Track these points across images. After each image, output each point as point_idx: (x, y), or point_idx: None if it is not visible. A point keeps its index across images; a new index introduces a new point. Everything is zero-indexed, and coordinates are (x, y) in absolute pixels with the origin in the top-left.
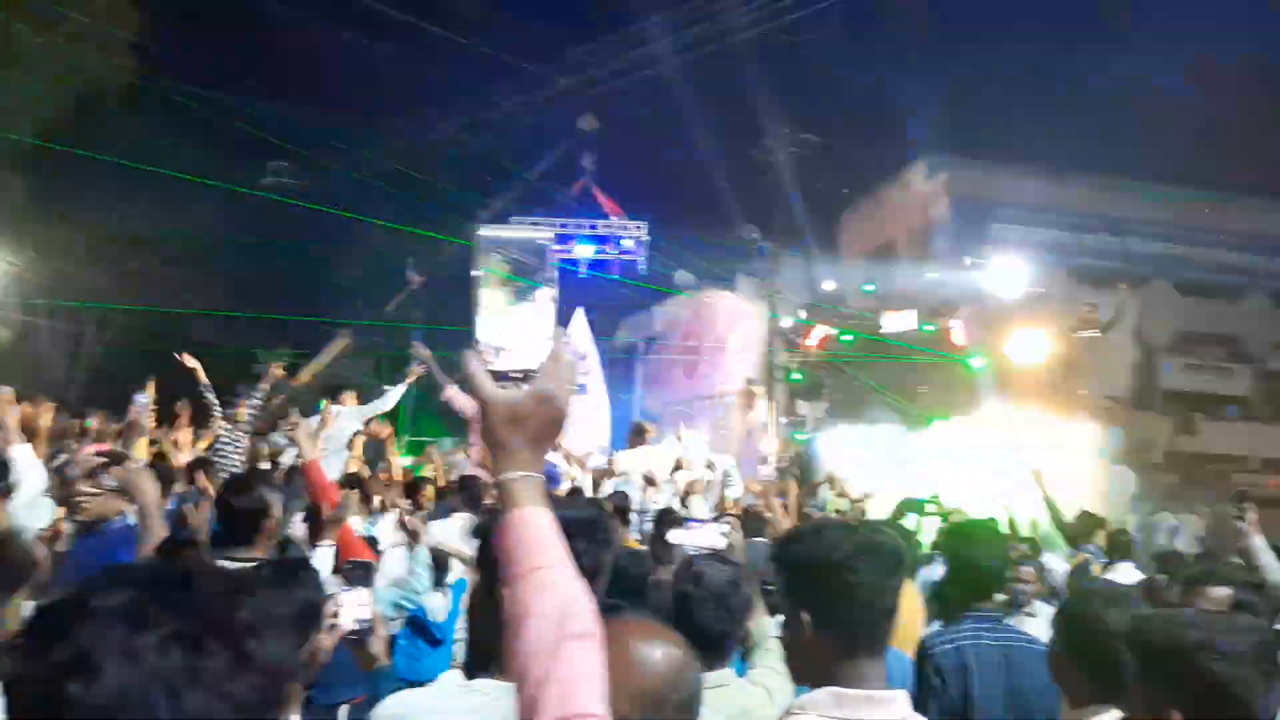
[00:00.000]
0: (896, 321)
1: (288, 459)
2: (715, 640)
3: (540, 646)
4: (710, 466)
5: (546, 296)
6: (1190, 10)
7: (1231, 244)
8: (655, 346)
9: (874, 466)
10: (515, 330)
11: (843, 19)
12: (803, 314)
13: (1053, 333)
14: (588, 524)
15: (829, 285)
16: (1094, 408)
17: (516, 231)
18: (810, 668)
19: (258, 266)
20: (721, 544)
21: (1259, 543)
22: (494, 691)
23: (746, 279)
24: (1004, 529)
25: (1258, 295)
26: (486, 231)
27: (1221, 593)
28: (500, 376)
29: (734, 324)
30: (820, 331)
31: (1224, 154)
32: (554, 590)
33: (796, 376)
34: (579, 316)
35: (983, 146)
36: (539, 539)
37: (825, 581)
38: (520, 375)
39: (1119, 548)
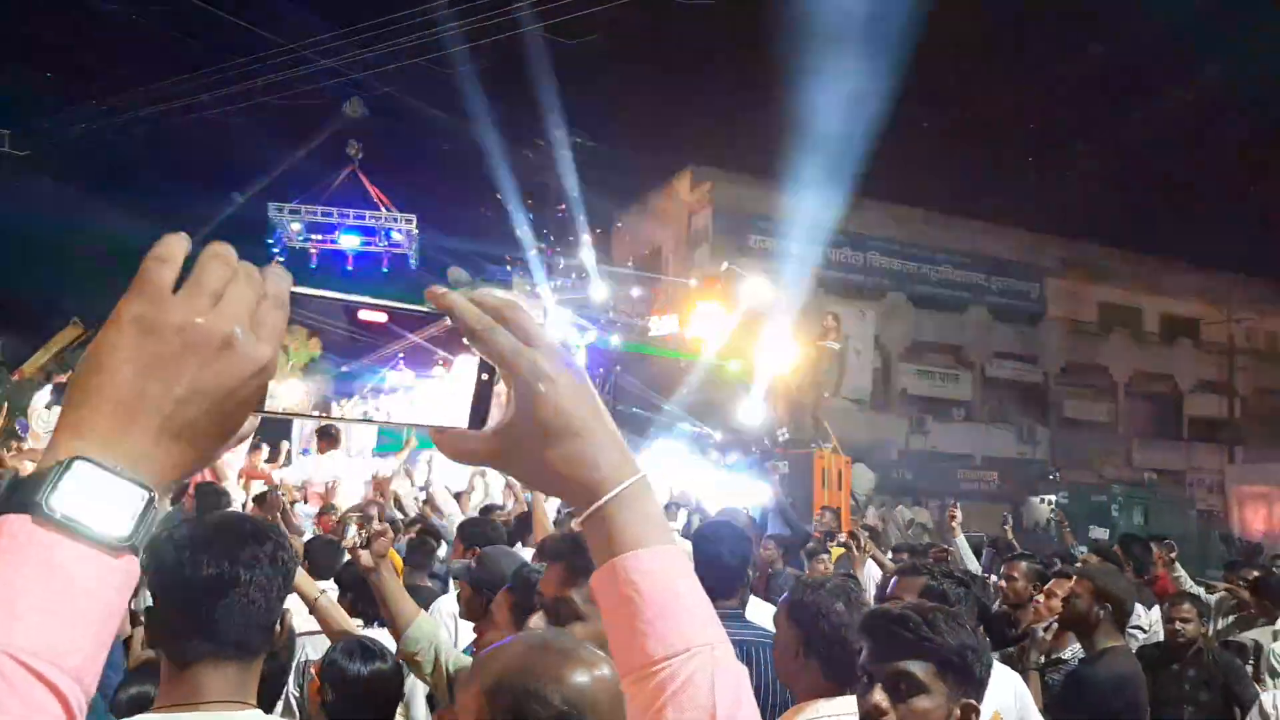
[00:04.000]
0: (662, 325)
1: None
2: None
3: None
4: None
5: None
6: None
7: (955, 262)
8: None
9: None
10: None
11: (620, 25)
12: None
13: (801, 339)
14: None
15: (600, 290)
16: (836, 411)
17: None
18: None
19: None
20: None
21: (960, 540)
22: None
23: (522, 279)
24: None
25: (978, 308)
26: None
27: (919, 581)
28: None
29: None
30: (590, 334)
31: (946, 179)
32: (727, 677)
33: None
34: None
35: (745, 159)
36: (690, 600)
37: None
38: None
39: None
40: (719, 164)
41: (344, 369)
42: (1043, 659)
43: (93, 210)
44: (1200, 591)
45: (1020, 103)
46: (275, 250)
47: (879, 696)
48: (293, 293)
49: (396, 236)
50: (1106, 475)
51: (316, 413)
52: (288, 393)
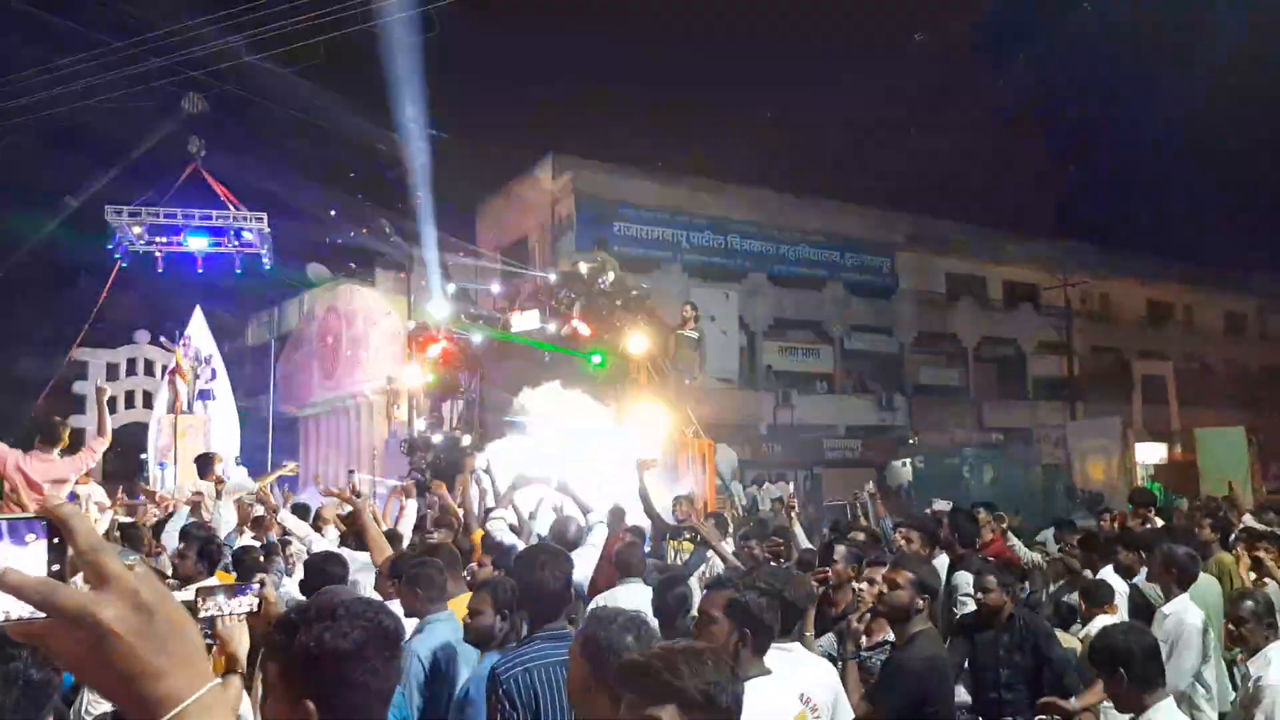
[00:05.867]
0: (524, 321)
1: None
2: None
3: None
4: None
5: None
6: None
7: (810, 241)
8: (289, 345)
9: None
10: None
11: (474, 18)
12: (433, 314)
13: (664, 328)
14: None
15: (459, 284)
16: (704, 392)
17: None
18: None
19: None
20: None
21: (796, 528)
22: None
23: (385, 274)
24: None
25: (834, 284)
26: None
27: (725, 594)
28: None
29: (374, 321)
30: (445, 332)
31: (803, 161)
32: None
33: (431, 377)
34: (198, 315)
35: (605, 148)
36: None
37: (333, 672)
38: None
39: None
40: (580, 152)
41: None
42: (859, 649)
43: None
44: (1035, 557)
45: (866, 89)
46: (117, 255)
47: None
48: None
49: (248, 236)
50: (959, 438)
51: None
52: None
